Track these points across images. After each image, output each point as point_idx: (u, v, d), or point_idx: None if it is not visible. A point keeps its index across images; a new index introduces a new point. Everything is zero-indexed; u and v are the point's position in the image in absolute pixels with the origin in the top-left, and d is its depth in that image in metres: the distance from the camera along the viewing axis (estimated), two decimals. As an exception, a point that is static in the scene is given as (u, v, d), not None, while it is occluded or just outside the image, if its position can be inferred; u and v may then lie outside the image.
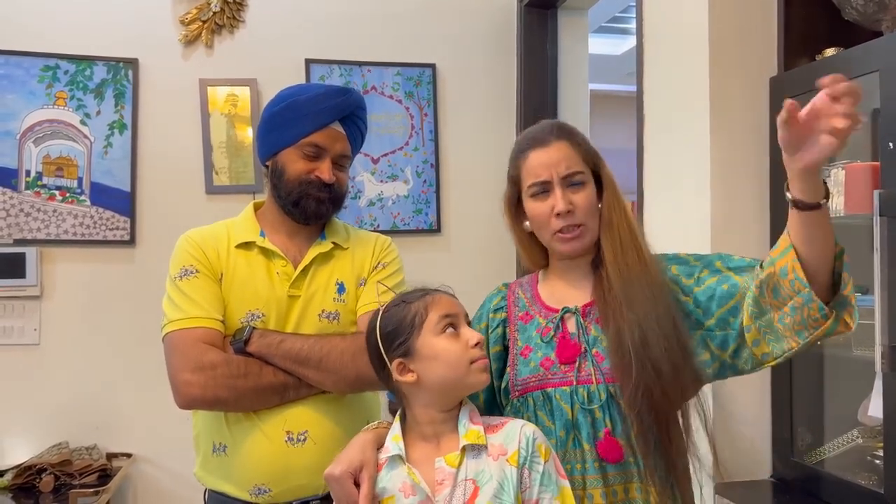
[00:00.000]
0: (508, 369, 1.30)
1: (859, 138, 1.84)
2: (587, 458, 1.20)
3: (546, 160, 1.26)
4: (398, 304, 1.20)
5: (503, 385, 1.30)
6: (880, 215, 1.42)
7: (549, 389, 1.24)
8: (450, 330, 1.17)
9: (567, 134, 1.30)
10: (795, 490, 1.71)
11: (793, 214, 1.10)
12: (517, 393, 1.27)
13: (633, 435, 1.19)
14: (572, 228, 1.26)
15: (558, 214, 1.25)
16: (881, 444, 1.52)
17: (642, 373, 1.17)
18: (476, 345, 1.17)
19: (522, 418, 1.24)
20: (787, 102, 1.02)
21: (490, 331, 1.34)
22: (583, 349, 1.25)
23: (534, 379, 1.26)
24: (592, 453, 1.20)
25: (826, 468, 1.71)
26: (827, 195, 1.08)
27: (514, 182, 1.32)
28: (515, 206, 1.34)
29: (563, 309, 1.29)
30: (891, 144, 1.45)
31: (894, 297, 1.41)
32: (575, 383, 1.23)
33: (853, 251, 1.77)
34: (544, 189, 1.27)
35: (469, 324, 1.22)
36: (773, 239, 1.79)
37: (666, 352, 1.18)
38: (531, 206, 1.29)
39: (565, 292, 1.32)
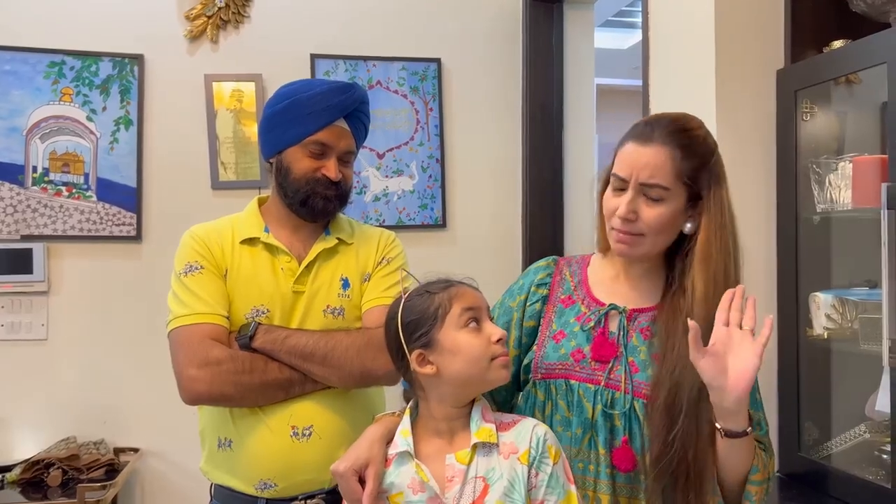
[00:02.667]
0: (535, 348, 1.27)
1: (868, 131, 1.83)
2: (601, 461, 1.18)
3: (634, 159, 1.17)
4: (422, 294, 1.18)
5: (527, 362, 1.28)
6: (888, 208, 1.41)
7: (573, 382, 1.22)
8: (472, 324, 1.15)
9: (676, 142, 1.16)
10: (802, 485, 1.70)
11: (720, 441, 1.11)
12: (540, 375, 1.25)
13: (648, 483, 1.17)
14: (628, 234, 1.20)
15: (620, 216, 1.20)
16: (888, 439, 1.52)
17: (682, 425, 1.13)
18: (498, 341, 1.15)
19: (543, 402, 1.23)
20: (692, 327, 1.04)
21: (528, 304, 1.31)
22: (619, 352, 1.22)
23: (560, 367, 1.23)
24: (606, 459, 1.18)
25: (833, 463, 1.70)
26: (751, 422, 1.10)
27: (612, 160, 1.24)
28: (606, 182, 1.25)
29: (609, 305, 1.25)
30: (899, 137, 1.43)
31: (902, 292, 1.40)
32: (602, 384, 1.20)
33: (861, 245, 1.77)
34: (622, 186, 1.19)
35: (491, 318, 1.20)
36: (780, 231, 1.78)
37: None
38: (606, 193, 1.23)
39: (616, 287, 1.28)
